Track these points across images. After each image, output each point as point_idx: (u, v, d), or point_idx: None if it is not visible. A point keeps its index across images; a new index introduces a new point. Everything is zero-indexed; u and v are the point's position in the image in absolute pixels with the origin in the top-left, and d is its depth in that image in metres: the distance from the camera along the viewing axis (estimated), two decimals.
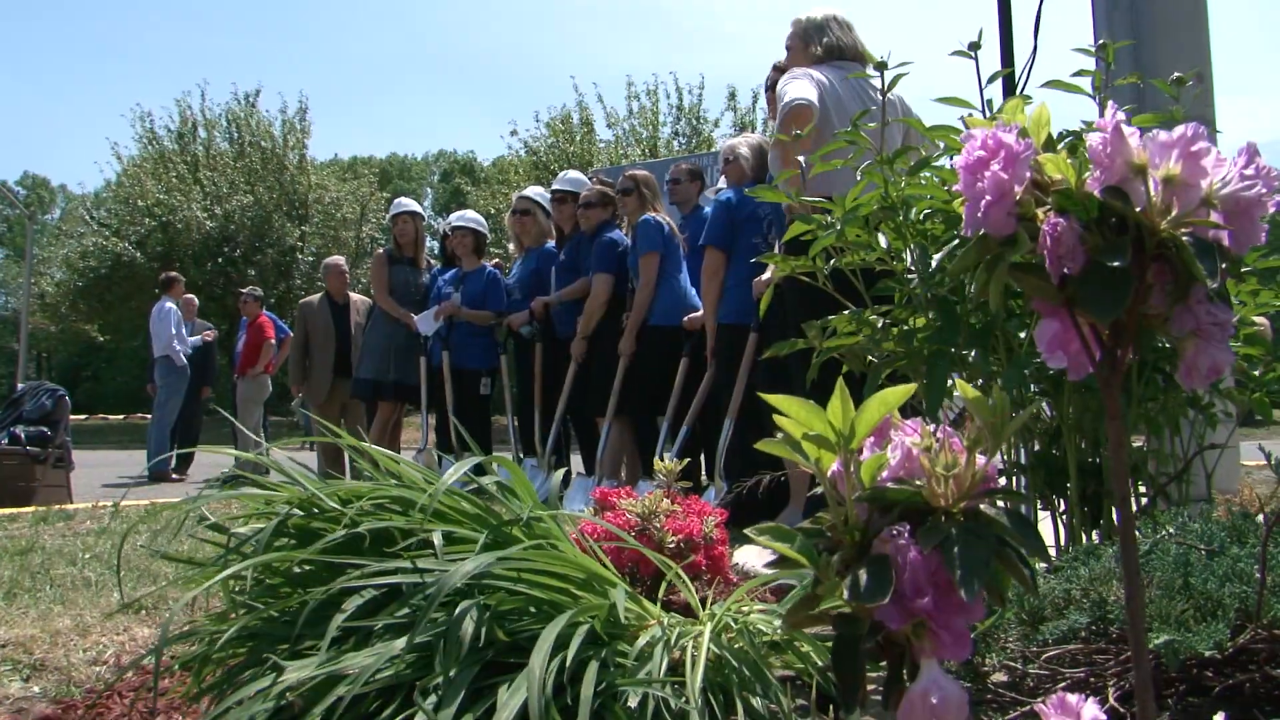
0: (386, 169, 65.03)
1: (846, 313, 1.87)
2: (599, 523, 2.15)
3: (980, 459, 0.88)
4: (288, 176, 29.17)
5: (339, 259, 9.44)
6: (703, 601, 2.21)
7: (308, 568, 1.48)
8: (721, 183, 5.70)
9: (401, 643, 1.06)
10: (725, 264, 4.99)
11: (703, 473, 6.44)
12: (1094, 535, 1.76)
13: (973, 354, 1.59)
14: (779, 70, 4.56)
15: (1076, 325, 0.88)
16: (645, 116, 28.57)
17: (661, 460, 5.26)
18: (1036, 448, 1.84)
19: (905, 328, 1.70)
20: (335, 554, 1.37)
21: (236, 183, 28.61)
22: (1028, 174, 0.87)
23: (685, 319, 5.54)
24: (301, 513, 1.48)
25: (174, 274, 11.96)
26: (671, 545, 2.26)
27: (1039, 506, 1.85)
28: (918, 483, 0.89)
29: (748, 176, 5.08)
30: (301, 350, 8.95)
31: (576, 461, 6.73)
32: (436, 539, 1.25)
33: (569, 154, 25.23)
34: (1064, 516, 1.80)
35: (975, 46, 1.88)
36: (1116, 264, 0.81)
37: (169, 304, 11.19)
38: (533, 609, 1.19)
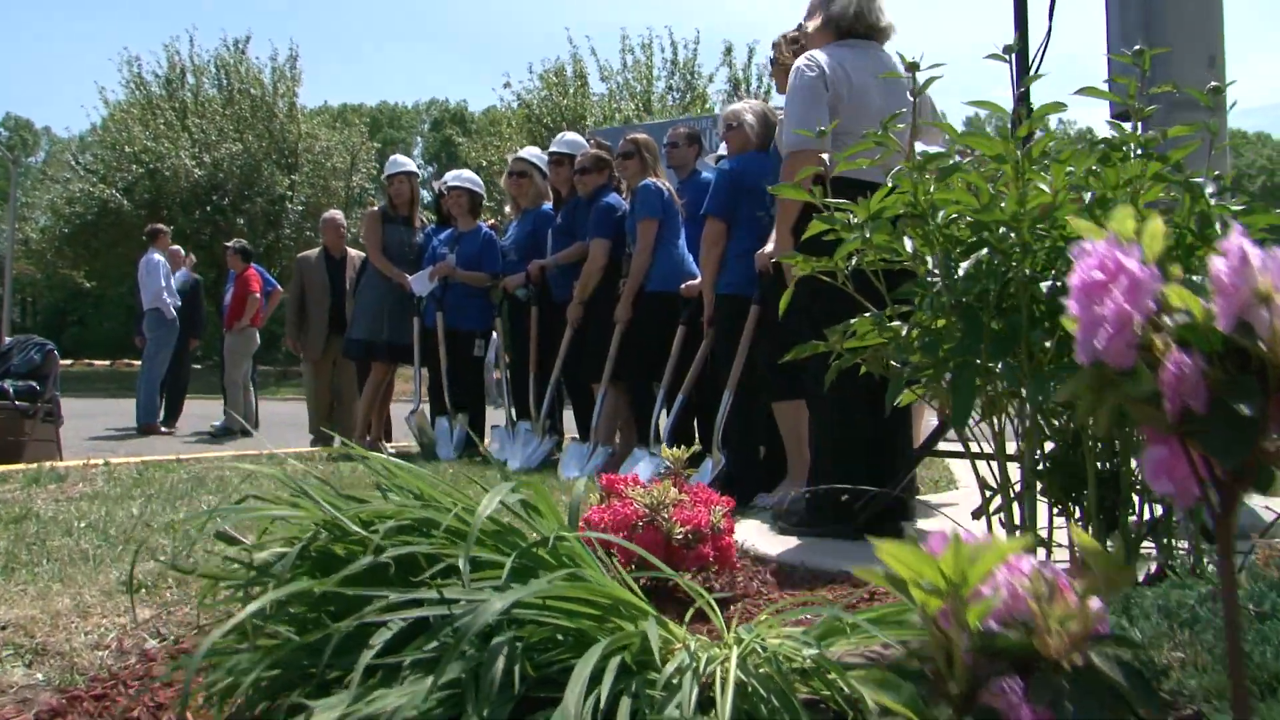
0: (377, 117, 64.51)
1: (868, 315, 1.84)
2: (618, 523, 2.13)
3: (1094, 604, 0.85)
4: (277, 125, 28.91)
5: (337, 214, 9.36)
6: (724, 610, 2.20)
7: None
8: (723, 149, 5.64)
9: (430, 680, 1.04)
10: (726, 234, 4.95)
11: (697, 440, 6.44)
12: (1107, 544, 1.75)
13: (999, 365, 1.56)
14: (792, 43, 4.49)
15: (1187, 454, 0.84)
16: (639, 70, 28.34)
17: (658, 428, 5.26)
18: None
19: (928, 333, 1.66)
20: (360, 581, 1.34)
21: (225, 130, 28.32)
22: (1152, 304, 0.82)
23: (683, 286, 5.50)
24: (325, 533, 1.45)
25: (160, 226, 11.84)
26: (680, 537, 2.25)
27: (1054, 511, 1.84)
28: (1025, 624, 0.86)
29: (752, 144, 5.01)
30: (298, 305, 8.91)
31: (569, 424, 6.72)
32: (463, 566, 1.22)
33: (562, 107, 25.02)
34: (1079, 523, 1.78)
35: (1010, 49, 1.84)
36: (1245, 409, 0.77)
37: (156, 256, 11.09)
38: (560, 637, 1.17)
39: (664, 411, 5.49)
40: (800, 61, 3.67)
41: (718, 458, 4.59)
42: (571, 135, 6.69)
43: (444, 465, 6.04)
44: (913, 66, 2.05)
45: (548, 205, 6.75)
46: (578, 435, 6.55)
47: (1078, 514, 1.78)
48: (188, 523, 3.46)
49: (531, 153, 6.94)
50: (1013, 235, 1.64)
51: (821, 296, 2.66)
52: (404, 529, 1.41)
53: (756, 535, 3.80)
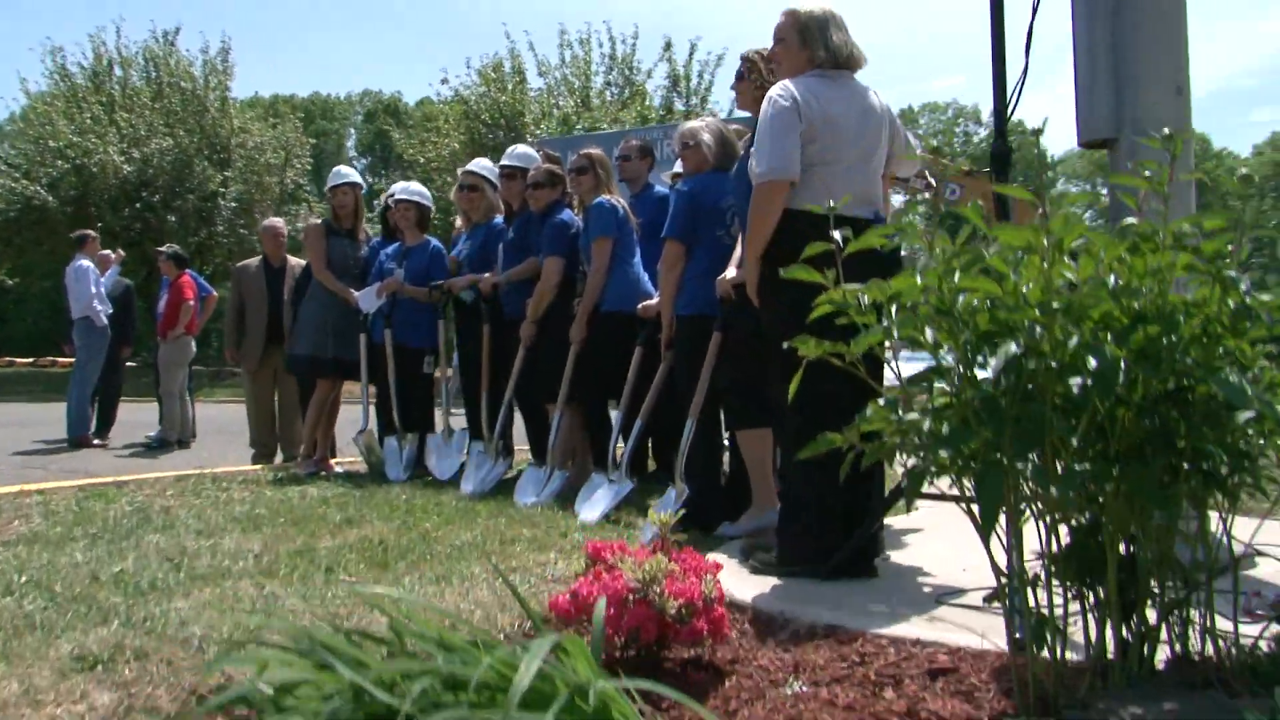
0: (309, 108, 63.42)
1: (881, 403, 1.77)
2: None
3: None
4: (209, 120, 28.27)
5: (277, 222, 9.12)
6: (720, 686, 2.12)
7: None
8: (678, 166, 5.55)
9: None
10: (685, 256, 4.87)
11: (650, 461, 6.37)
12: (1124, 632, 1.70)
13: (1027, 466, 1.50)
14: (761, 61, 4.39)
15: None
16: (578, 66, 28.15)
17: (615, 453, 5.16)
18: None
19: (945, 425, 1.60)
20: None
21: (155, 125, 27.61)
22: None
23: (640, 306, 5.41)
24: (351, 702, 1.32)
25: (88, 231, 11.49)
26: (673, 611, 2.16)
27: (1070, 598, 1.79)
28: None
29: (708, 164, 4.94)
30: (237, 314, 8.68)
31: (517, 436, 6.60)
32: None
33: (500, 104, 24.76)
34: (1095, 611, 1.74)
35: (1039, 133, 1.78)
36: None
37: (85, 262, 10.74)
38: None
39: (621, 436, 5.40)
40: (774, 91, 3.60)
41: (681, 488, 4.51)
42: (523, 148, 6.56)
43: (396, 488, 5.89)
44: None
45: (499, 219, 6.62)
46: (531, 456, 6.45)
47: (1093, 600, 1.73)
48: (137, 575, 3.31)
49: (483, 165, 6.79)
50: (1039, 329, 1.58)
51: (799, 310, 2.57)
52: (426, 692, 1.29)
53: (726, 573, 3.74)
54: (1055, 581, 1.77)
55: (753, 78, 4.44)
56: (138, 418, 12.13)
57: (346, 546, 4.04)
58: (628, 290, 5.58)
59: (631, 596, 2.18)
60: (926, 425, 1.67)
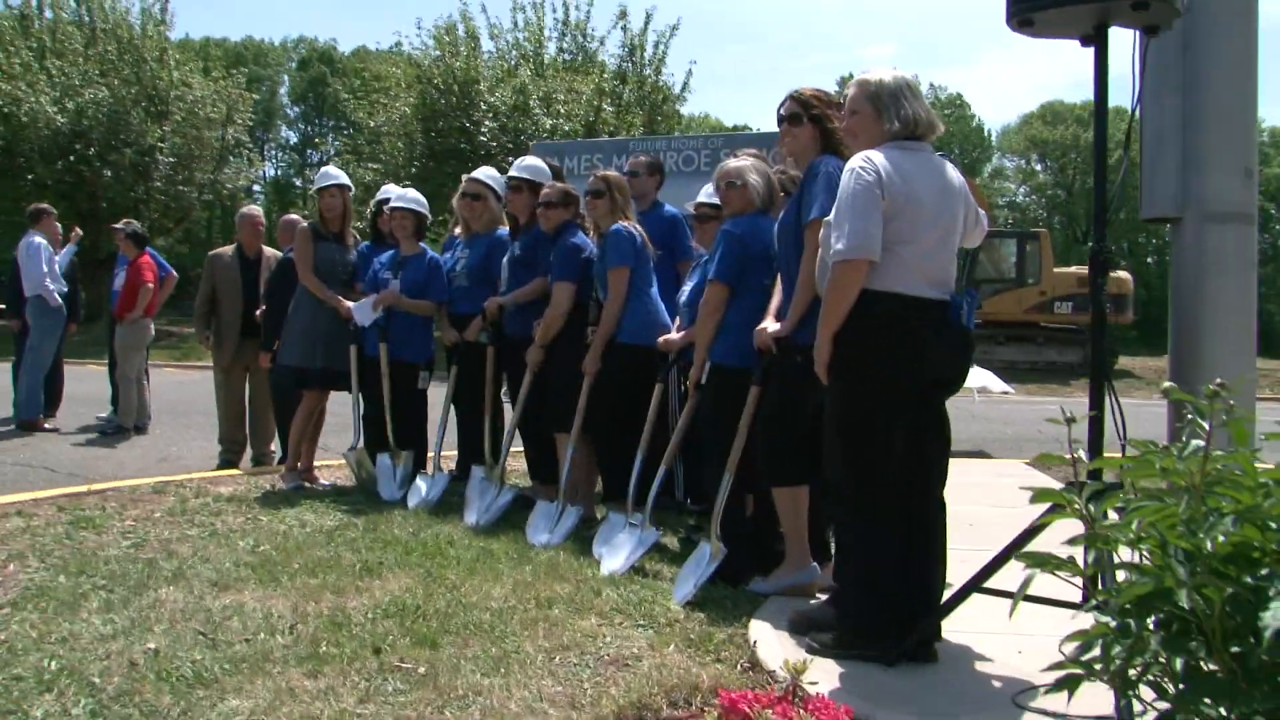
0: (241, 53, 61.49)
1: (1097, 620, 1.65)
2: None
3: None
4: (147, 70, 27.19)
5: (255, 210, 8.80)
6: None
7: None
8: (703, 195, 5.37)
9: None
10: (728, 301, 4.73)
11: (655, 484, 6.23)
12: None
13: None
14: (810, 104, 4.23)
15: None
16: (531, 30, 27.71)
17: (638, 495, 5.02)
18: None
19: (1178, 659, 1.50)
20: None
21: (89, 74, 26.54)
22: None
23: (660, 340, 5.27)
24: None
25: (44, 206, 11.00)
26: None
27: None
28: None
29: (754, 206, 4.78)
30: (207, 305, 8.34)
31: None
32: None
33: (454, 69, 24.22)
34: None
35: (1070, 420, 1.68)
36: None
37: (37, 239, 10.28)
38: None
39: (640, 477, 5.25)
40: (856, 163, 3.47)
41: (718, 548, 4.39)
42: (532, 160, 6.32)
43: (397, 515, 5.72)
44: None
45: (503, 230, 6.41)
46: (530, 483, 6.31)
47: None
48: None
49: (488, 174, 6.54)
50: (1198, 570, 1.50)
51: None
52: None
53: (778, 647, 3.65)
54: None
55: (823, 121, 4.24)
56: (79, 389, 11.66)
57: (380, 611, 3.87)
58: (645, 322, 5.44)
59: None
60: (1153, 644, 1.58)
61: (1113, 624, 1.57)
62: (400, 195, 6.75)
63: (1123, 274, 22.83)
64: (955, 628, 3.64)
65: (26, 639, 3.46)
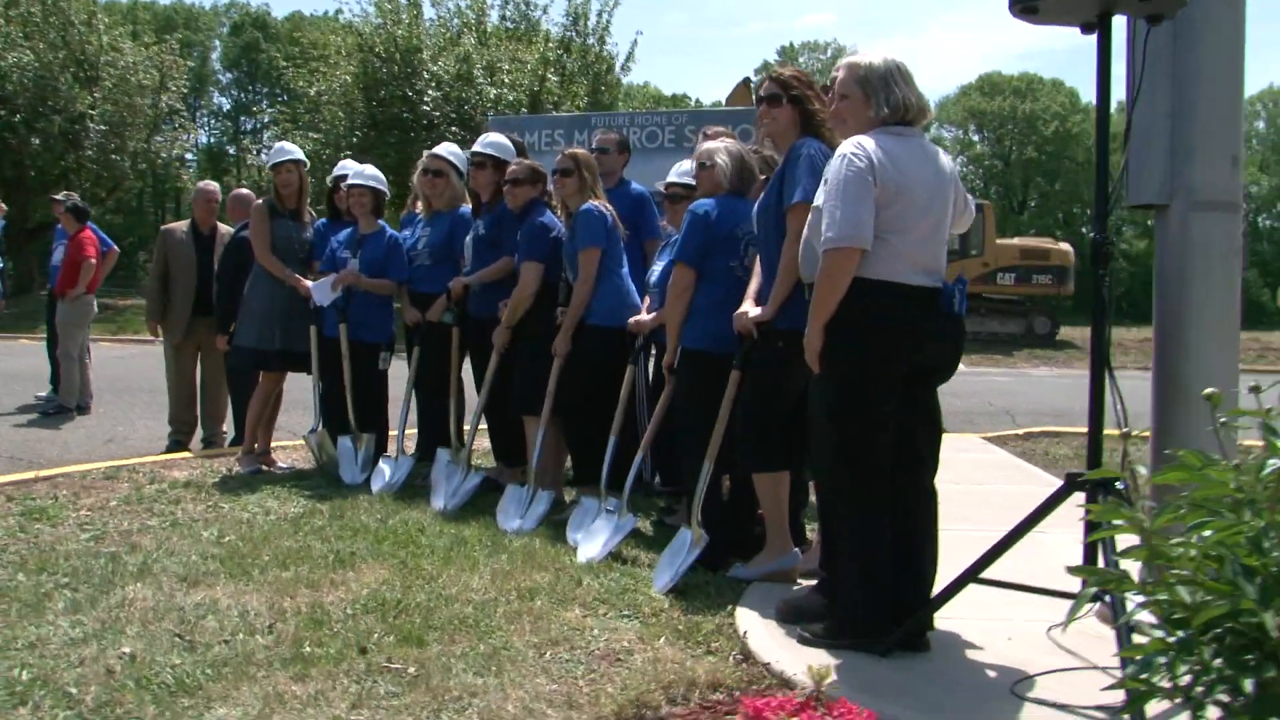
0: (171, 16, 59.86)
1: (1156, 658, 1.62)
2: None
3: None
4: (75, 34, 26.27)
5: (210, 185, 8.52)
6: None
7: None
8: (674, 174, 5.30)
9: None
10: (695, 283, 4.67)
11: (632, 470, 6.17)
12: None
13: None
14: (800, 85, 4.17)
15: None
16: None
17: (611, 479, 4.95)
18: None
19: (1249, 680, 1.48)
20: None
21: (12, 36, 25.58)
22: None
23: (630, 321, 5.20)
24: None
25: None
26: None
27: None
28: None
29: (723, 188, 4.72)
30: (160, 282, 8.07)
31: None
32: None
33: (396, 37, 23.74)
34: None
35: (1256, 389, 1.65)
36: None
37: None
38: None
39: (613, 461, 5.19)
40: (847, 149, 3.40)
41: (699, 535, 4.34)
42: (496, 136, 6.17)
43: (361, 499, 5.60)
44: None
45: (465, 208, 6.27)
46: (496, 464, 6.23)
47: None
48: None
49: (450, 150, 6.38)
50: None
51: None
52: None
53: (769, 638, 3.62)
54: None
55: (809, 104, 4.17)
56: (13, 365, 11.29)
57: (359, 606, 3.78)
58: (616, 303, 5.35)
59: None
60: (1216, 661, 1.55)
61: (1170, 640, 1.55)
62: (358, 172, 6.58)
63: (1064, 246, 23.17)
64: (942, 614, 3.63)
65: None
